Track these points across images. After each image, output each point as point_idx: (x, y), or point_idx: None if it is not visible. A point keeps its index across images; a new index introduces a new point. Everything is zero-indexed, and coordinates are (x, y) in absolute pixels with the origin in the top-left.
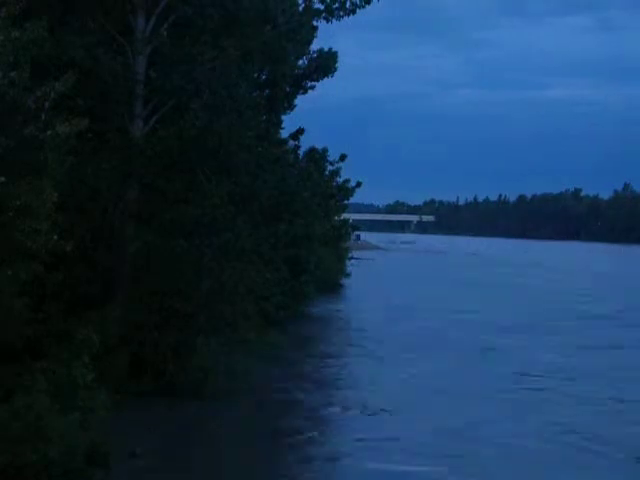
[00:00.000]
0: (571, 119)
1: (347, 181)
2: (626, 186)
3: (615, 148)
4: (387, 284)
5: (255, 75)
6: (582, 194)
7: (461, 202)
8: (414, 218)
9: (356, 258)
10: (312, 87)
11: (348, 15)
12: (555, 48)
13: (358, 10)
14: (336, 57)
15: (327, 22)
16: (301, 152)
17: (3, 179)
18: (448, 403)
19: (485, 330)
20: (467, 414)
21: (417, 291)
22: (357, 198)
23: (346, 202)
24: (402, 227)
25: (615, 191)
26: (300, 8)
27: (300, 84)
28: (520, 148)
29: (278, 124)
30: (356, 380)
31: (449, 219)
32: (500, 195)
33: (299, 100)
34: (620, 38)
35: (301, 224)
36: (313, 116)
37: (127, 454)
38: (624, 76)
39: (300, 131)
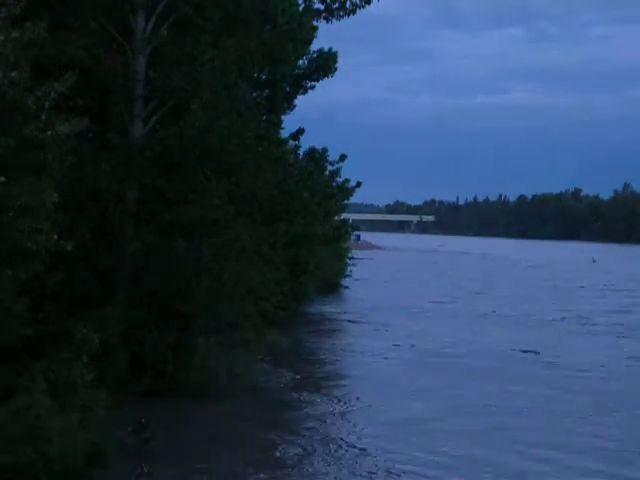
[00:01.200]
0: (531, 120)
1: (347, 181)
2: (626, 186)
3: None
4: (387, 284)
5: (255, 75)
6: (582, 194)
7: (461, 202)
8: (414, 218)
9: (356, 258)
10: (312, 87)
11: (348, 15)
12: (498, 57)
13: (358, 10)
14: (336, 57)
15: (327, 22)
16: (301, 152)
17: (3, 179)
18: None
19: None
20: None
21: (416, 291)
22: (357, 198)
23: (346, 202)
24: (402, 227)
25: (615, 191)
26: (300, 8)
27: (300, 84)
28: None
29: (278, 124)
30: (354, 379)
31: (449, 219)
32: (500, 195)
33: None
34: (556, 47)
35: (301, 224)
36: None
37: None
38: (570, 82)
39: (300, 131)
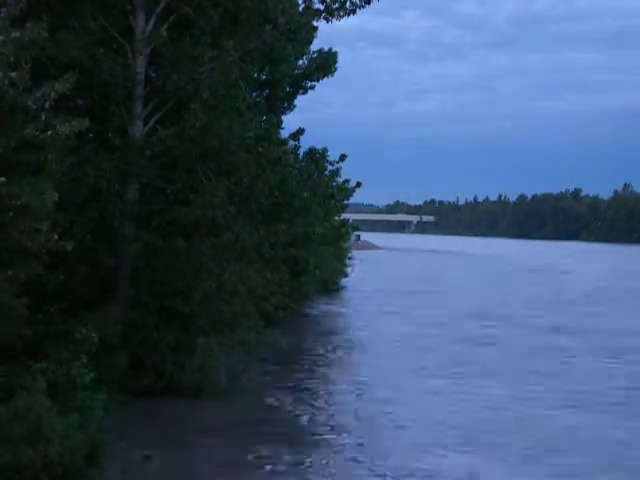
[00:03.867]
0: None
1: (347, 181)
2: (626, 186)
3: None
4: (386, 284)
5: (255, 75)
6: (582, 194)
7: (461, 202)
8: (414, 218)
9: (356, 258)
10: (312, 87)
11: (348, 15)
12: (388, 71)
13: (358, 10)
14: (336, 57)
15: (327, 22)
16: (301, 152)
17: (3, 179)
18: None
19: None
20: None
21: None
22: (357, 198)
23: (346, 202)
24: (402, 227)
25: (615, 191)
26: (300, 8)
27: (300, 84)
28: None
29: (278, 124)
30: (353, 378)
31: (449, 219)
32: (500, 195)
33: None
34: (444, 64)
35: (301, 224)
36: None
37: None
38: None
39: (300, 131)
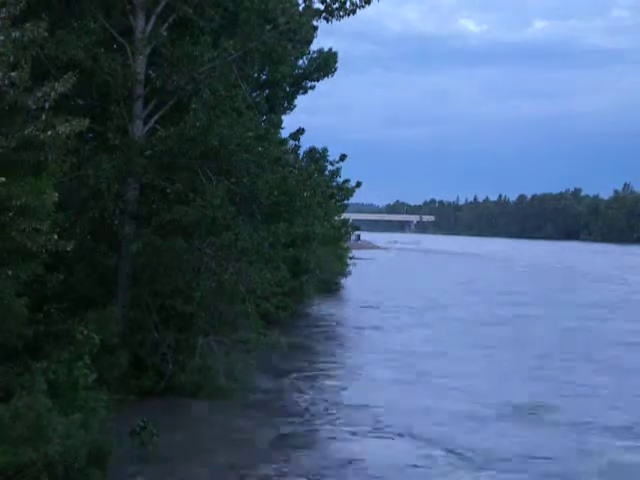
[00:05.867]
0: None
1: (347, 181)
2: (626, 186)
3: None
4: (386, 284)
5: (255, 75)
6: (582, 194)
7: (461, 202)
8: (414, 218)
9: (356, 258)
10: (312, 87)
11: (348, 15)
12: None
13: (358, 10)
14: (336, 57)
15: (327, 22)
16: (301, 152)
17: (3, 179)
18: None
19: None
20: None
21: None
22: (357, 198)
23: (346, 202)
24: (402, 227)
25: (615, 191)
26: (300, 8)
27: (300, 84)
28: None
29: (278, 124)
30: (352, 378)
31: (449, 219)
32: (500, 195)
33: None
34: None
35: (301, 224)
36: None
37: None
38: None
39: (300, 131)
